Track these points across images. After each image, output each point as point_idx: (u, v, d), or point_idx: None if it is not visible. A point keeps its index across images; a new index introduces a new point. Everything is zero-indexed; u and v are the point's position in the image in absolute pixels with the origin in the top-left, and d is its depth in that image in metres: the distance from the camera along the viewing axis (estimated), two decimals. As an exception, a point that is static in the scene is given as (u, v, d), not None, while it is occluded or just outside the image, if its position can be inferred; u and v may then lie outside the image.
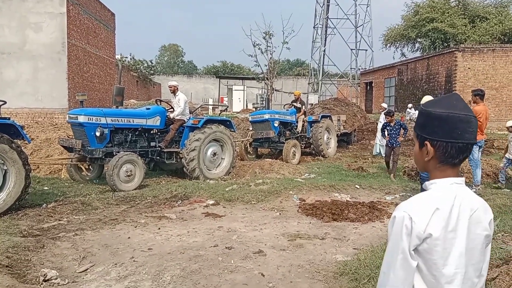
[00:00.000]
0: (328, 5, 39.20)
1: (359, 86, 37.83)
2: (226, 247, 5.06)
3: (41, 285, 4.00)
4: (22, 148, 6.94)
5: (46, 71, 17.40)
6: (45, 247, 4.99)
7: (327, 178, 9.85)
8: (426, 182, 1.52)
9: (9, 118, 6.93)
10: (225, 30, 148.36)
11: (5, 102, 7.20)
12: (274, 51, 25.11)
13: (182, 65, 77.86)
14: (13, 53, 17.24)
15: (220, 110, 18.51)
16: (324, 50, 39.72)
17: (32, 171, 7.30)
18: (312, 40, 42.08)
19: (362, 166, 11.60)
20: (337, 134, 15.23)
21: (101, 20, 22.31)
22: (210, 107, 25.45)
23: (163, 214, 6.67)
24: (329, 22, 39.85)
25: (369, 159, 13.74)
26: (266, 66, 25.72)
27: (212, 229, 5.86)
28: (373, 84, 33.92)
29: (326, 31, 39.71)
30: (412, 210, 1.40)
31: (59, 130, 12.17)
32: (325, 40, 39.77)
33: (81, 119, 8.55)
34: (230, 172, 10.23)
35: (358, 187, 8.69)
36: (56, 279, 4.09)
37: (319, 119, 14.11)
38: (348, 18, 39.18)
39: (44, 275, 4.09)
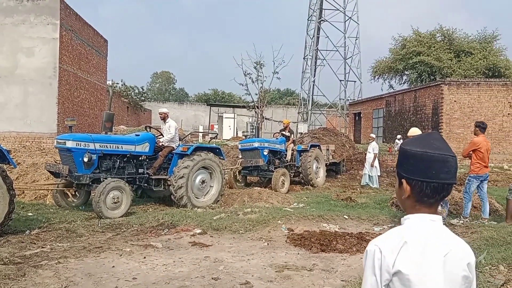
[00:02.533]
0: (318, 37, 40.25)
1: (347, 116, 38.31)
2: (212, 278, 4.97)
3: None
4: (8, 172, 6.84)
5: (36, 95, 17.37)
6: (26, 276, 4.85)
7: (316, 208, 9.82)
8: (402, 218, 1.50)
9: (-5, 142, 6.86)
10: (217, 58, 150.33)
11: (-8, 126, 7.14)
12: (265, 80, 25.50)
13: (173, 92, 78.27)
14: (4, 77, 17.23)
15: (210, 138, 18.51)
16: (314, 81, 40.52)
17: (16, 196, 7.18)
18: (302, 71, 42.95)
19: (351, 196, 11.60)
20: (326, 164, 15.29)
21: (93, 46, 22.50)
22: (200, 134, 25.47)
23: (149, 242, 6.55)
24: (318, 54, 40.82)
25: (358, 189, 13.76)
26: (256, 95, 26.04)
27: (198, 259, 5.77)
28: (361, 115, 34.37)
29: (315, 62, 40.62)
30: (382, 244, 1.39)
31: (46, 155, 12.04)
32: (315, 71, 40.64)
33: (69, 144, 8.49)
34: (218, 200, 10.16)
35: (347, 217, 8.67)
36: (36, 309, 3.97)
37: (308, 148, 14.20)
38: (337, 50, 40.20)
39: (24, 305, 3.96)
